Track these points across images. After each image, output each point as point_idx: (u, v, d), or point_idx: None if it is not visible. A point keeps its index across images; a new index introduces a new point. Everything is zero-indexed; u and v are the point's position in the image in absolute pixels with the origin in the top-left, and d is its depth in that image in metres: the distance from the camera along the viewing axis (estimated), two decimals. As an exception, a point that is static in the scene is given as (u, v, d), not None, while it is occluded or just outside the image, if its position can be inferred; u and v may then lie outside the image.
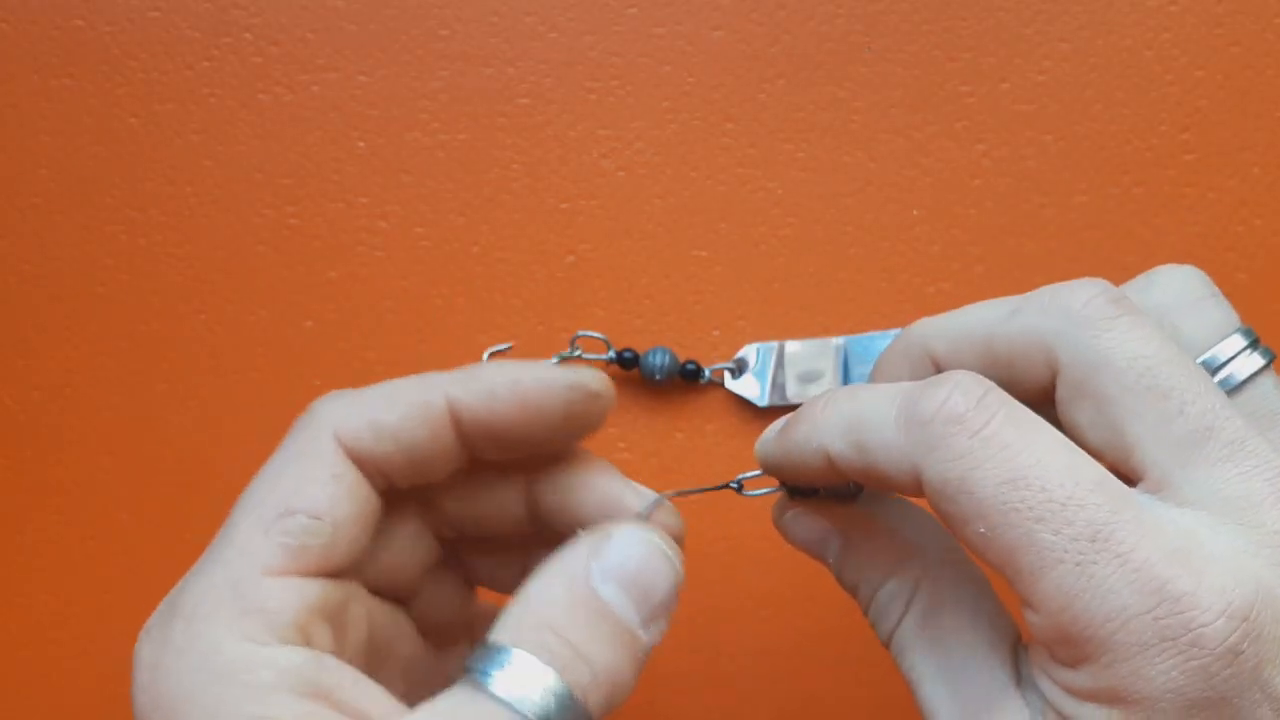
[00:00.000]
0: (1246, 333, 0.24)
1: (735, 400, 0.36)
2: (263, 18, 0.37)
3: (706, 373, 0.35)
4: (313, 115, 0.36)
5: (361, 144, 0.36)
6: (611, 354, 0.35)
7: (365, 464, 0.23)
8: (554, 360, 0.35)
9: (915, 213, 0.36)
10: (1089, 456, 0.20)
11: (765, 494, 0.27)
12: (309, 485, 0.22)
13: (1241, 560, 0.19)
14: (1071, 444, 0.21)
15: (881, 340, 0.35)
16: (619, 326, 0.36)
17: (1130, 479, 0.21)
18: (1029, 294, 0.23)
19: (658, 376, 0.35)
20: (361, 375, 0.36)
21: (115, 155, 0.37)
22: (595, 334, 0.35)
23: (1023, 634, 0.23)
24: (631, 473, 0.35)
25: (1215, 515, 0.20)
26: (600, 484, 0.25)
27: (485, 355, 0.35)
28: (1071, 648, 0.20)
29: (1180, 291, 0.24)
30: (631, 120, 0.36)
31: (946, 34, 0.36)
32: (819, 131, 0.36)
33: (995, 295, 0.35)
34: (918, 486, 0.21)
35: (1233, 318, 0.24)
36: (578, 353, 0.35)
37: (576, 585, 0.21)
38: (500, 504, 0.25)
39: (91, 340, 0.36)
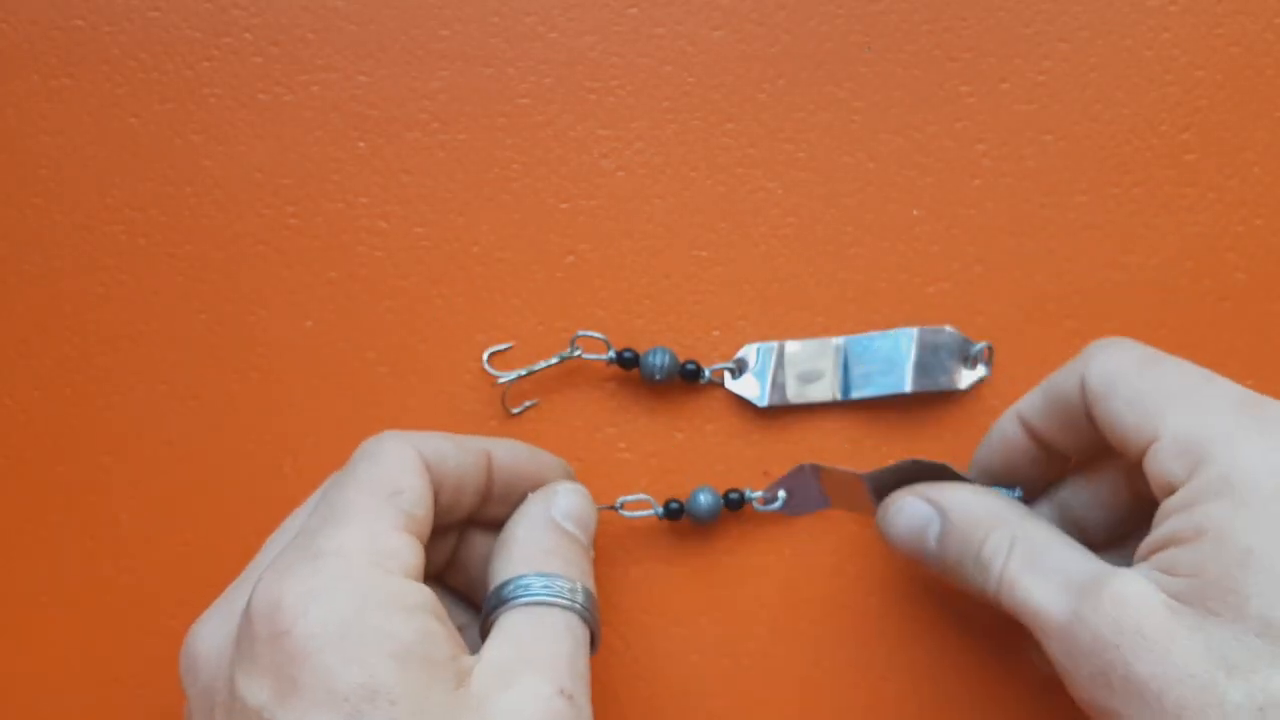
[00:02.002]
0: None
1: (735, 400, 0.36)
2: (263, 18, 0.37)
3: (706, 373, 0.35)
4: (313, 115, 0.36)
5: (361, 144, 0.36)
6: (611, 354, 0.35)
7: (431, 476, 0.29)
8: (554, 360, 0.35)
9: (915, 213, 0.36)
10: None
11: (640, 516, 0.34)
12: (406, 475, 0.28)
13: None
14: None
15: (881, 340, 0.35)
16: (619, 326, 0.36)
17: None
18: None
19: (658, 376, 0.35)
20: (362, 375, 0.36)
21: (115, 155, 0.37)
22: (595, 334, 0.35)
23: None
24: (632, 473, 0.36)
25: None
26: (532, 460, 0.32)
27: (485, 355, 0.35)
28: (1188, 456, 0.25)
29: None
30: (631, 120, 0.36)
31: (946, 34, 0.36)
32: (819, 131, 0.36)
33: (995, 295, 0.36)
34: (1080, 391, 0.29)
35: None
36: (578, 353, 0.35)
37: (549, 524, 0.30)
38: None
39: (91, 340, 0.36)
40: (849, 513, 0.35)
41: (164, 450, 0.36)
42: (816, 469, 0.35)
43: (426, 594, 0.26)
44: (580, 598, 0.28)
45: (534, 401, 0.36)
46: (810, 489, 0.35)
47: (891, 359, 0.35)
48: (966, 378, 0.35)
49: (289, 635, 0.24)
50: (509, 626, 0.27)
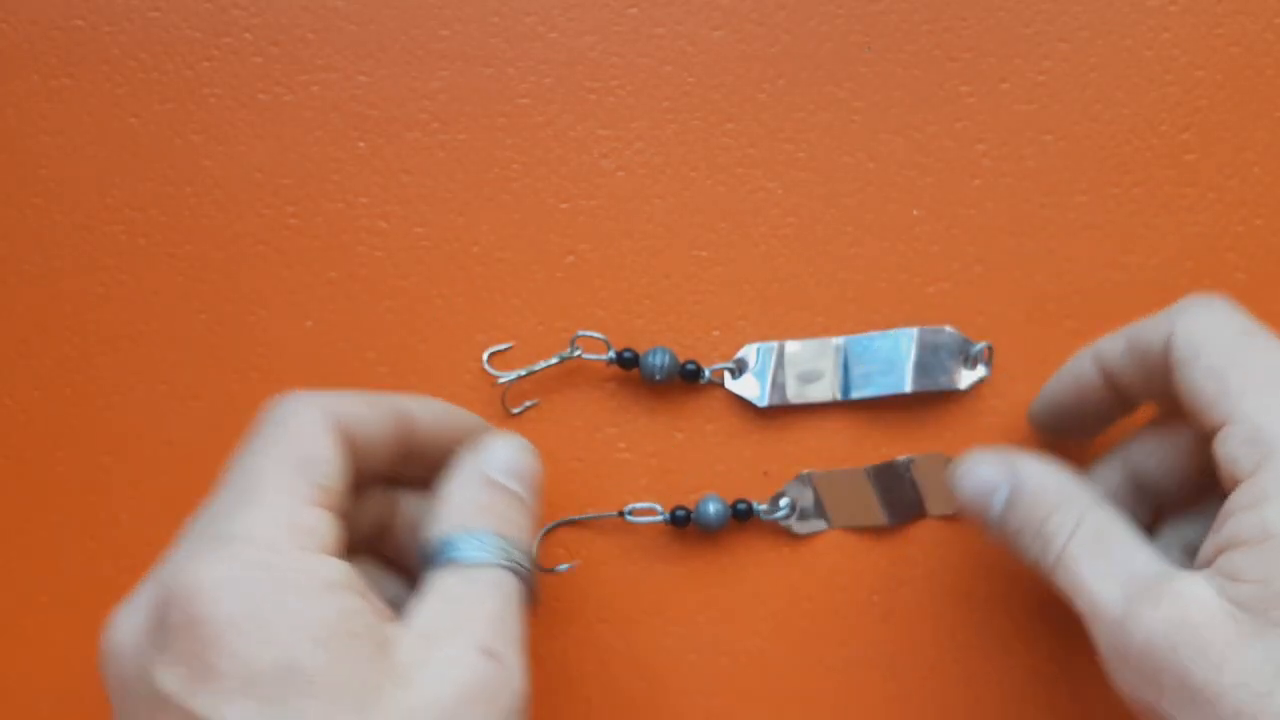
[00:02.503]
0: None
1: (735, 401, 0.36)
2: (263, 18, 0.37)
3: (706, 372, 0.35)
4: (313, 115, 0.36)
5: (361, 144, 0.36)
6: (611, 354, 0.35)
7: (344, 441, 0.28)
8: (554, 360, 0.35)
9: (915, 213, 0.36)
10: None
11: (648, 521, 0.34)
12: (317, 443, 0.27)
13: None
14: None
15: (881, 340, 0.35)
16: (619, 326, 0.36)
17: None
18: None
19: (658, 377, 0.35)
20: (362, 375, 0.36)
21: (115, 155, 0.36)
22: (595, 334, 0.35)
23: None
24: (632, 473, 0.35)
25: None
26: (451, 415, 0.32)
27: (485, 356, 0.35)
28: (1256, 448, 0.25)
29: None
30: (631, 120, 0.36)
31: (946, 34, 0.36)
32: (819, 131, 0.36)
33: (995, 295, 0.36)
34: (1165, 347, 0.28)
35: None
36: (578, 353, 0.35)
37: (481, 480, 0.29)
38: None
39: (91, 340, 0.36)
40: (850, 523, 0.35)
41: (164, 450, 0.36)
42: (815, 476, 0.35)
43: (343, 569, 0.25)
44: (514, 554, 0.27)
45: (534, 401, 0.36)
46: (810, 502, 0.35)
47: (891, 359, 0.35)
48: (966, 378, 0.35)
49: (204, 622, 0.23)
50: (436, 589, 0.27)
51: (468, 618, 0.26)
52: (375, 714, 0.23)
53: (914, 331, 0.35)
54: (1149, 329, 0.29)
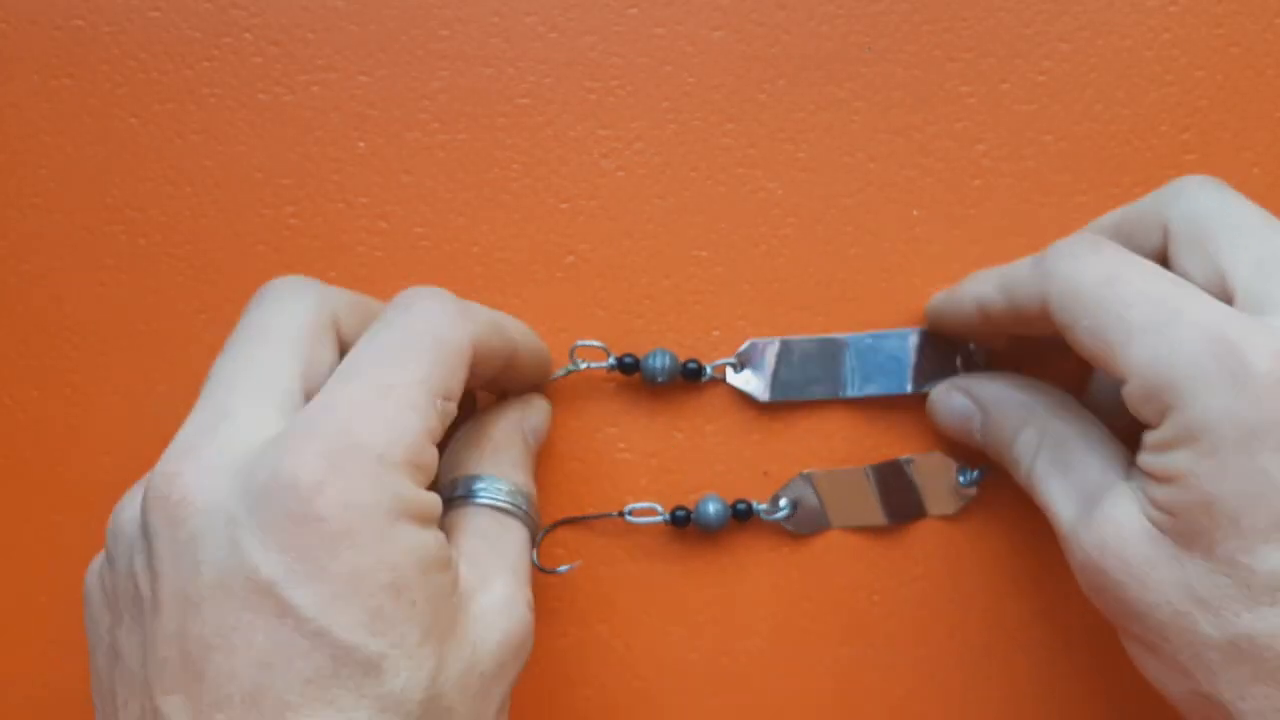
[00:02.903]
0: None
1: (735, 399, 0.36)
2: (263, 18, 0.37)
3: (708, 370, 0.35)
4: (313, 115, 0.36)
5: (361, 144, 0.36)
6: (612, 360, 0.35)
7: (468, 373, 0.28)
8: (562, 373, 0.35)
9: (915, 213, 0.36)
10: (1176, 275, 0.26)
11: (648, 522, 0.35)
12: (454, 378, 0.26)
13: None
14: (1155, 265, 0.26)
15: (883, 340, 0.35)
16: (618, 326, 0.36)
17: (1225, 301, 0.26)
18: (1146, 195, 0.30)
19: (659, 379, 0.35)
20: (361, 375, 0.36)
21: (115, 155, 0.37)
22: (593, 343, 0.35)
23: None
24: (632, 472, 0.36)
25: None
26: (540, 367, 0.34)
27: None
28: (1156, 402, 0.25)
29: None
30: (631, 120, 0.36)
31: (946, 34, 0.36)
32: (819, 132, 0.36)
33: (995, 295, 0.36)
34: (1043, 307, 0.28)
35: None
36: (582, 365, 0.35)
37: (520, 434, 0.32)
38: None
39: (91, 340, 0.36)
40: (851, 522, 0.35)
41: (164, 450, 0.36)
42: (815, 476, 0.35)
43: (439, 505, 0.25)
44: (535, 514, 0.30)
45: None
46: (810, 502, 0.35)
47: (893, 359, 0.35)
48: None
49: (325, 523, 0.23)
50: (478, 525, 0.28)
51: (510, 566, 0.28)
52: (452, 643, 0.24)
53: (915, 332, 0.35)
54: (1023, 288, 0.29)
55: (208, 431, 0.25)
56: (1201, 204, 0.28)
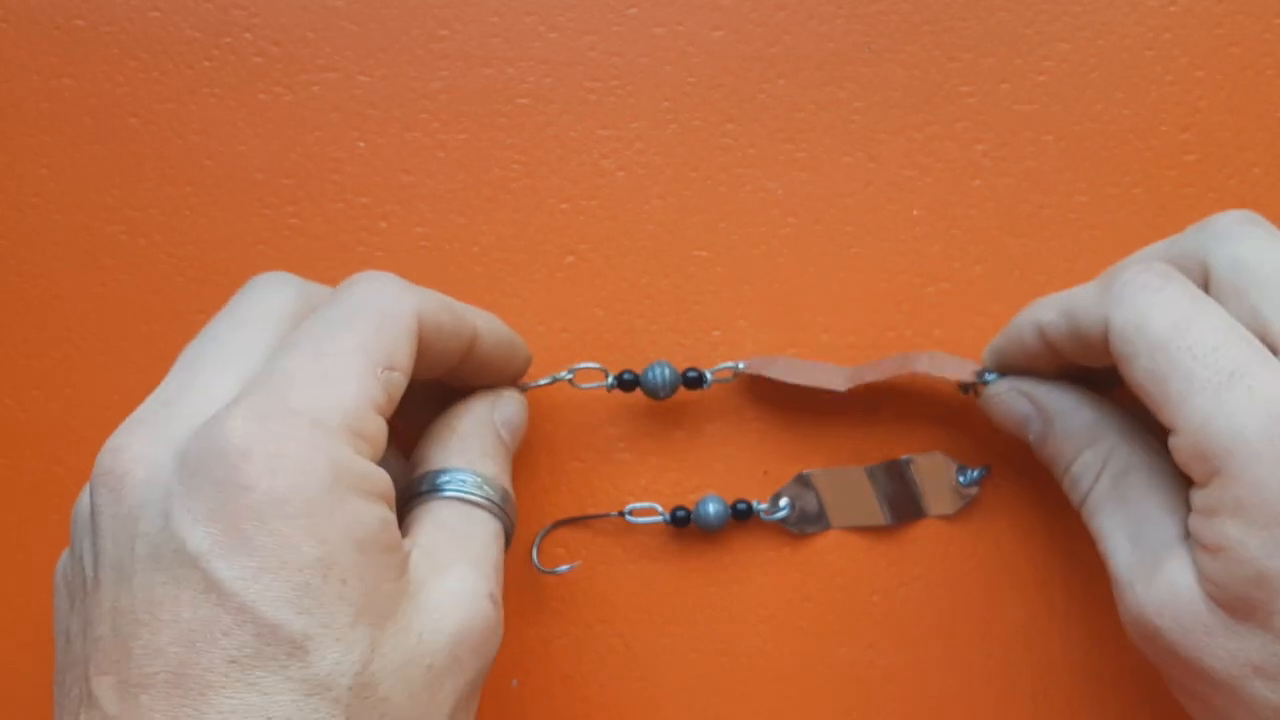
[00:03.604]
0: None
1: (735, 401, 0.36)
2: (263, 18, 0.37)
3: (708, 377, 0.35)
4: (313, 115, 0.36)
5: (362, 144, 0.36)
6: (611, 380, 0.35)
7: (419, 352, 0.27)
8: (547, 381, 0.35)
9: (915, 213, 0.36)
10: (1241, 325, 0.25)
11: (648, 522, 0.35)
12: (402, 349, 0.26)
13: None
14: (1228, 315, 0.26)
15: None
16: (618, 326, 0.36)
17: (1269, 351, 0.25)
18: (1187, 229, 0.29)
19: (661, 395, 0.34)
20: (362, 375, 0.36)
21: (115, 155, 0.37)
22: (591, 364, 0.35)
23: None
24: (631, 472, 0.36)
25: None
26: (508, 350, 0.32)
27: None
28: (1204, 463, 0.24)
29: None
30: (631, 120, 0.36)
31: (946, 34, 0.37)
32: (819, 132, 0.36)
33: (995, 295, 0.36)
34: (1105, 335, 0.27)
35: None
36: (569, 375, 0.35)
37: (490, 426, 0.31)
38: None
39: (92, 340, 0.36)
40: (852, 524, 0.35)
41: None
42: (815, 475, 0.35)
43: (387, 481, 0.25)
44: (508, 506, 0.29)
45: None
46: (810, 501, 0.35)
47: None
48: (968, 368, 0.34)
49: (251, 491, 0.22)
50: (441, 517, 0.27)
51: (473, 555, 0.27)
52: (390, 627, 0.23)
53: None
54: (1086, 312, 0.28)
55: (158, 408, 0.25)
56: (1245, 251, 0.26)
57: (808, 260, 0.36)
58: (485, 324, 0.30)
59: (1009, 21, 0.37)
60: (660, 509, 0.35)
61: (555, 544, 0.35)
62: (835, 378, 0.34)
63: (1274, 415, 0.23)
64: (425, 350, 0.27)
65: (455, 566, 0.26)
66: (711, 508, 0.34)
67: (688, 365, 0.35)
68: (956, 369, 0.33)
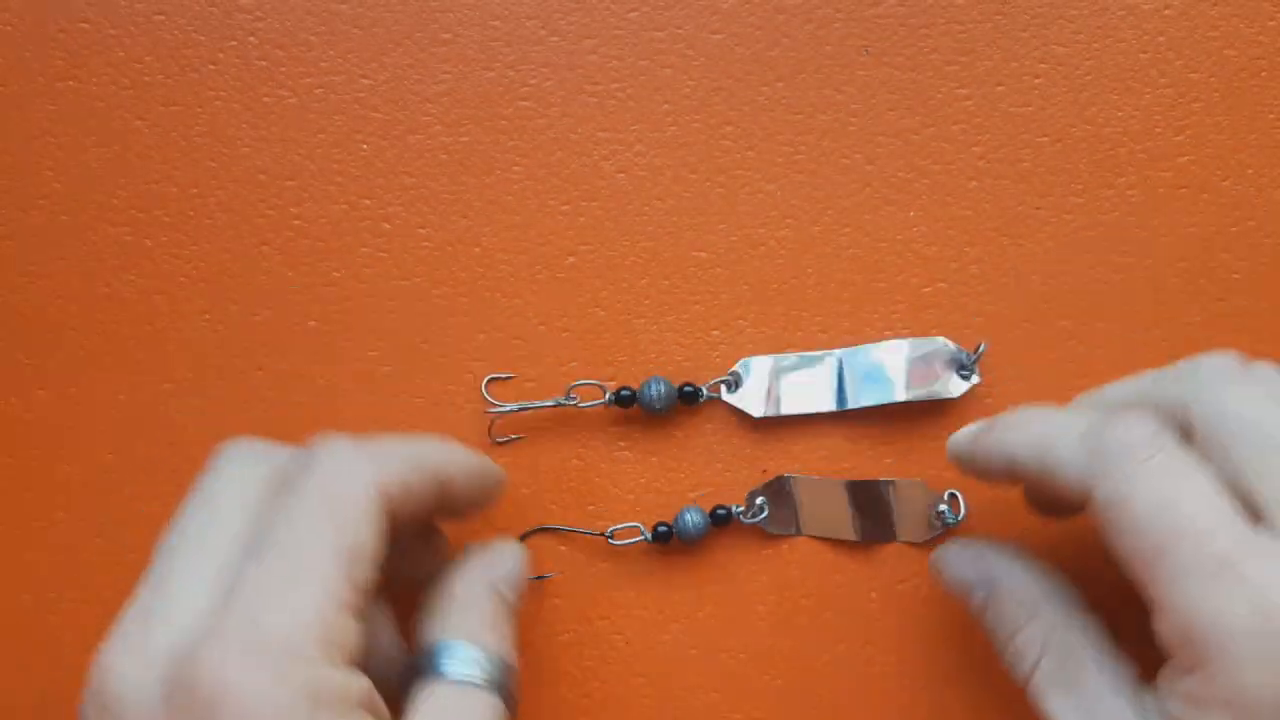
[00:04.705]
0: None
1: (730, 410, 0.36)
2: (267, 22, 0.37)
3: (704, 390, 0.35)
4: (316, 118, 0.37)
5: (365, 146, 0.37)
6: (609, 397, 0.35)
7: (387, 524, 0.26)
8: (550, 403, 0.35)
9: (912, 214, 0.36)
10: (1229, 498, 0.24)
11: (630, 544, 0.35)
12: (366, 534, 0.25)
13: None
14: (1218, 486, 0.24)
15: (877, 351, 0.36)
16: (618, 327, 0.36)
17: (1252, 517, 0.24)
18: (1169, 366, 0.28)
19: (657, 407, 0.35)
20: (365, 375, 0.36)
21: (120, 157, 0.37)
22: (590, 381, 0.35)
23: (1142, 672, 0.26)
24: (626, 483, 0.36)
25: None
26: (481, 486, 0.31)
27: (483, 382, 0.36)
28: (1190, 651, 0.24)
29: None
30: (631, 123, 0.37)
31: (943, 37, 0.37)
32: (817, 134, 0.37)
33: (992, 296, 0.36)
34: (1084, 499, 0.25)
35: None
36: (574, 401, 0.35)
37: (488, 589, 0.29)
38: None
39: (96, 340, 0.36)
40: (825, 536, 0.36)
41: (167, 450, 0.36)
42: (794, 480, 0.35)
43: (366, 686, 0.25)
44: (509, 679, 0.28)
45: (520, 436, 0.36)
46: (786, 505, 0.35)
47: (884, 369, 0.35)
48: (959, 385, 0.35)
49: None
50: (443, 703, 0.26)
51: None
52: None
53: (906, 342, 0.36)
54: (1065, 470, 0.26)
55: (139, 618, 0.25)
56: (1231, 404, 0.25)
57: (806, 261, 0.36)
58: (452, 462, 0.29)
59: (1005, 25, 0.37)
60: (642, 528, 0.35)
61: (557, 542, 0.36)
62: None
63: (1265, 614, 0.23)
64: (395, 514, 0.26)
65: None
66: (689, 518, 0.34)
67: (688, 363, 0.35)
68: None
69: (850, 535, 0.35)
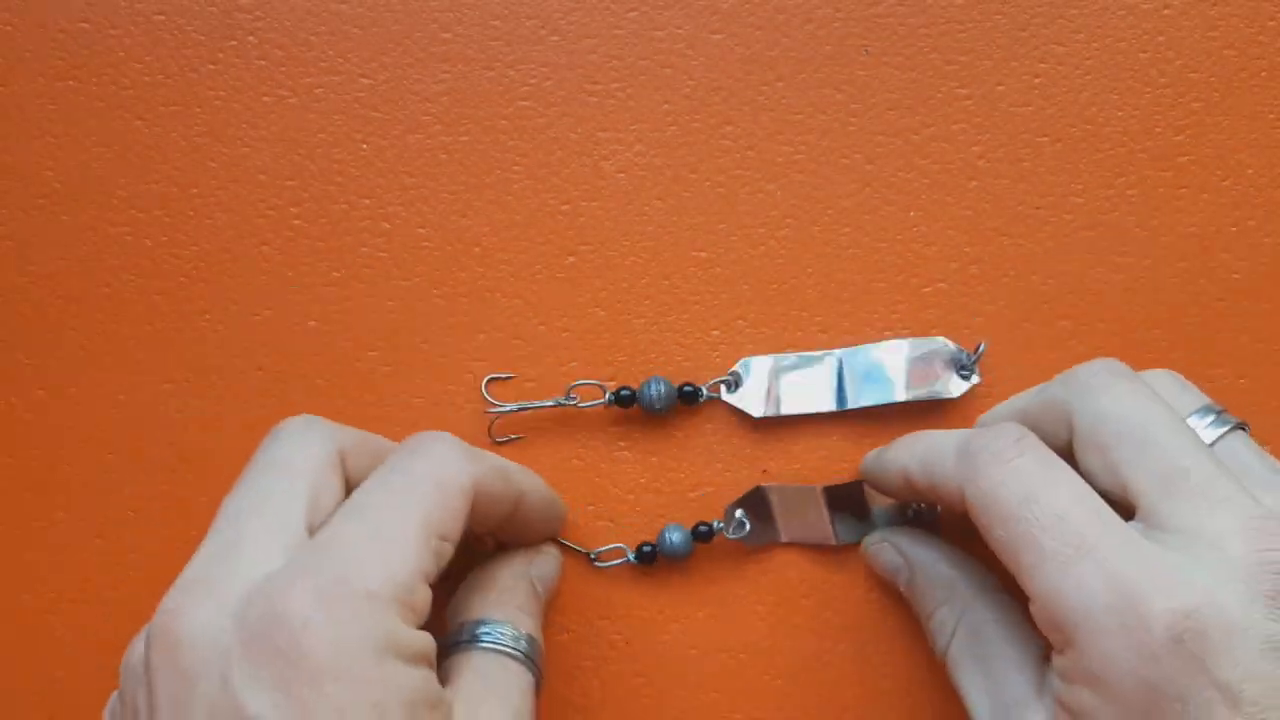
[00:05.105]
0: (1211, 408, 0.29)
1: (730, 411, 0.36)
2: (267, 21, 0.37)
3: (704, 390, 0.35)
4: (316, 118, 0.37)
5: (364, 146, 0.37)
6: (609, 397, 0.35)
7: (468, 519, 0.28)
8: (550, 403, 0.35)
9: (912, 214, 0.36)
10: (1092, 490, 0.26)
11: (615, 565, 0.35)
12: (452, 519, 0.27)
13: (1196, 575, 0.24)
14: (1081, 480, 0.26)
15: (877, 351, 0.36)
16: (618, 327, 0.36)
17: (1128, 513, 0.26)
18: (1055, 378, 0.30)
19: (657, 407, 0.35)
20: (365, 375, 0.36)
21: (120, 157, 0.37)
22: (590, 381, 0.35)
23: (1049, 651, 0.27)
24: (627, 484, 0.36)
25: (1186, 540, 0.25)
26: (548, 513, 0.34)
27: (483, 382, 0.36)
28: (1058, 633, 0.25)
29: (1161, 381, 0.30)
30: (631, 123, 0.37)
31: (943, 37, 0.37)
32: (817, 134, 0.37)
33: (991, 296, 0.36)
34: (962, 501, 0.28)
35: (1201, 399, 0.29)
36: (573, 400, 0.35)
37: (527, 580, 0.32)
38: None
39: (96, 340, 0.36)
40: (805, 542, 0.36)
41: (168, 449, 0.36)
42: (770, 490, 0.35)
43: (431, 645, 0.26)
44: (539, 659, 0.30)
45: (520, 436, 0.36)
46: (765, 515, 0.35)
47: (884, 369, 0.35)
48: (959, 385, 0.36)
49: (310, 659, 0.23)
50: (481, 669, 0.29)
51: (510, 707, 0.28)
52: None
53: (906, 342, 0.36)
54: (944, 478, 0.29)
55: (210, 567, 0.26)
56: (1106, 405, 0.27)
57: (805, 261, 0.36)
58: (531, 487, 0.32)
59: (1005, 25, 0.37)
60: (627, 549, 0.35)
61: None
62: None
63: (1118, 591, 0.24)
64: (475, 514, 0.28)
65: (488, 714, 0.27)
66: (671, 537, 0.34)
67: (688, 363, 0.35)
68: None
69: (829, 539, 0.35)
